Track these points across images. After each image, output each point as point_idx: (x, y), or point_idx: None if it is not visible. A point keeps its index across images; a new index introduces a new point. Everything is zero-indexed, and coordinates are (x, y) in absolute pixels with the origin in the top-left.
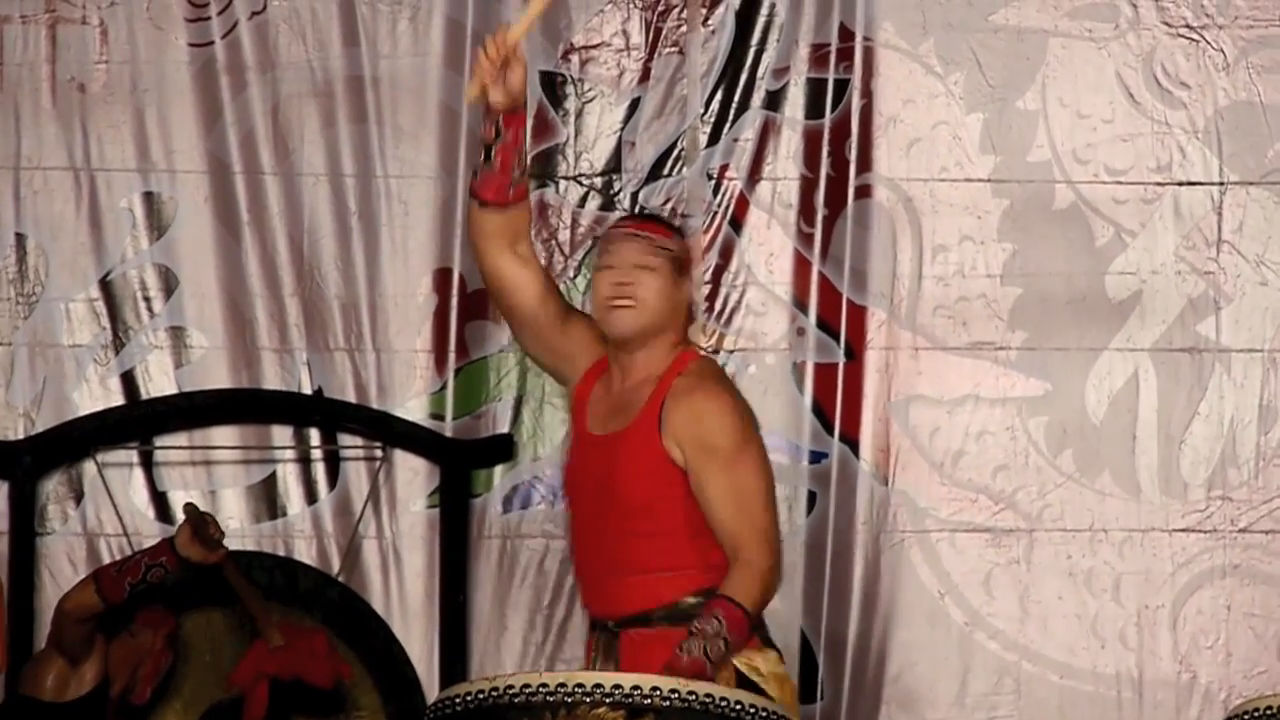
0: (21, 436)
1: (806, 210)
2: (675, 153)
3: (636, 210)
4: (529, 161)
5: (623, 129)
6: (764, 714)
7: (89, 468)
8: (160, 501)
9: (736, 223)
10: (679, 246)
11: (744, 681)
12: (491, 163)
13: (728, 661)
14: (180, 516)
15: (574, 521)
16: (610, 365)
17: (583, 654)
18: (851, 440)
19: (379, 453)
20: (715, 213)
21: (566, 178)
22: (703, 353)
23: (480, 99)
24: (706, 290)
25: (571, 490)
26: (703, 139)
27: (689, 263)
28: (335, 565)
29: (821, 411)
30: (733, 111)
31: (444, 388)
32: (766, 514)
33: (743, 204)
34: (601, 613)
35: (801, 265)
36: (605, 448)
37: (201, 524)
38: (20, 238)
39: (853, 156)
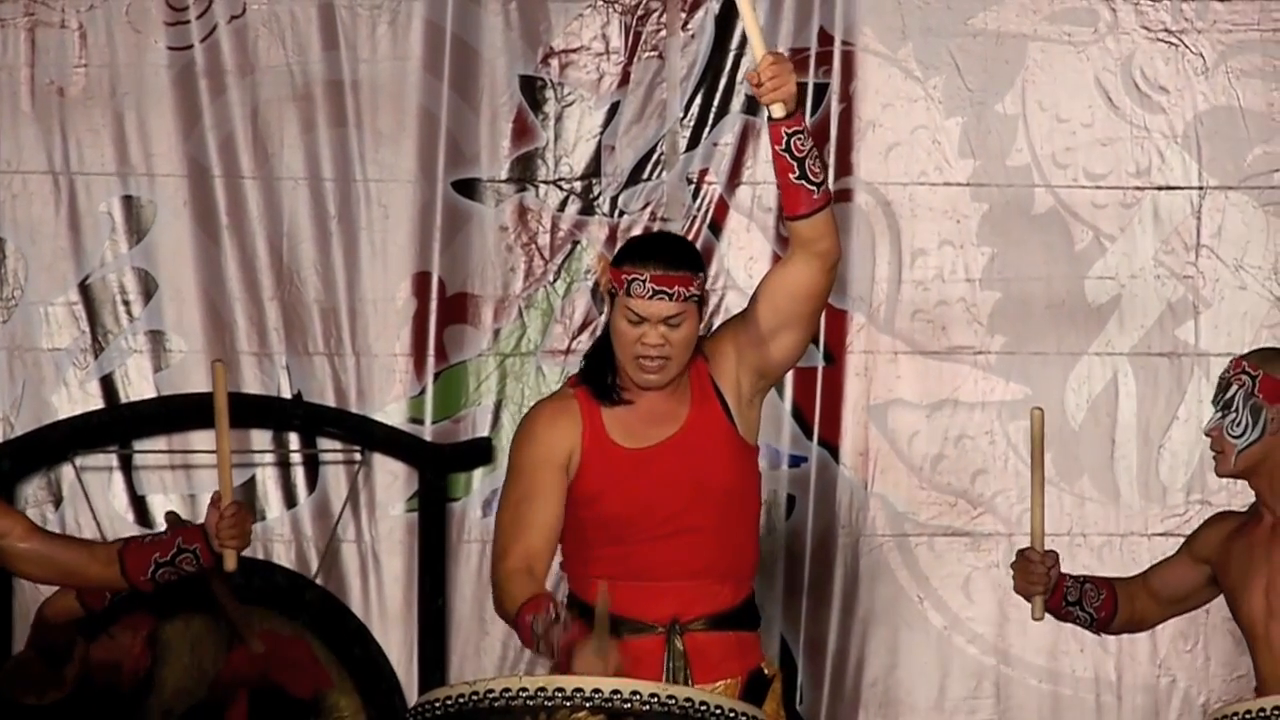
0: (0, 440)
1: None
2: (655, 157)
3: (615, 212)
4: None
5: (602, 133)
6: (743, 718)
7: (68, 471)
8: (139, 505)
9: (716, 227)
10: (700, 284)
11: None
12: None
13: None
14: (159, 520)
15: (613, 538)
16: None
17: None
18: (831, 444)
19: (358, 456)
20: (695, 217)
21: (546, 182)
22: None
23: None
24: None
25: (607, 509)
26: (682, 143)
27: (706, 292)
28: (314, 569)
29: (801, 415)
30: (712, 115)
31: (423, 392)
32: None
33: (722, 208)
34: (664, 615)
35: None
36: (660, 455)
37: None
38: None
39: (832, 160)
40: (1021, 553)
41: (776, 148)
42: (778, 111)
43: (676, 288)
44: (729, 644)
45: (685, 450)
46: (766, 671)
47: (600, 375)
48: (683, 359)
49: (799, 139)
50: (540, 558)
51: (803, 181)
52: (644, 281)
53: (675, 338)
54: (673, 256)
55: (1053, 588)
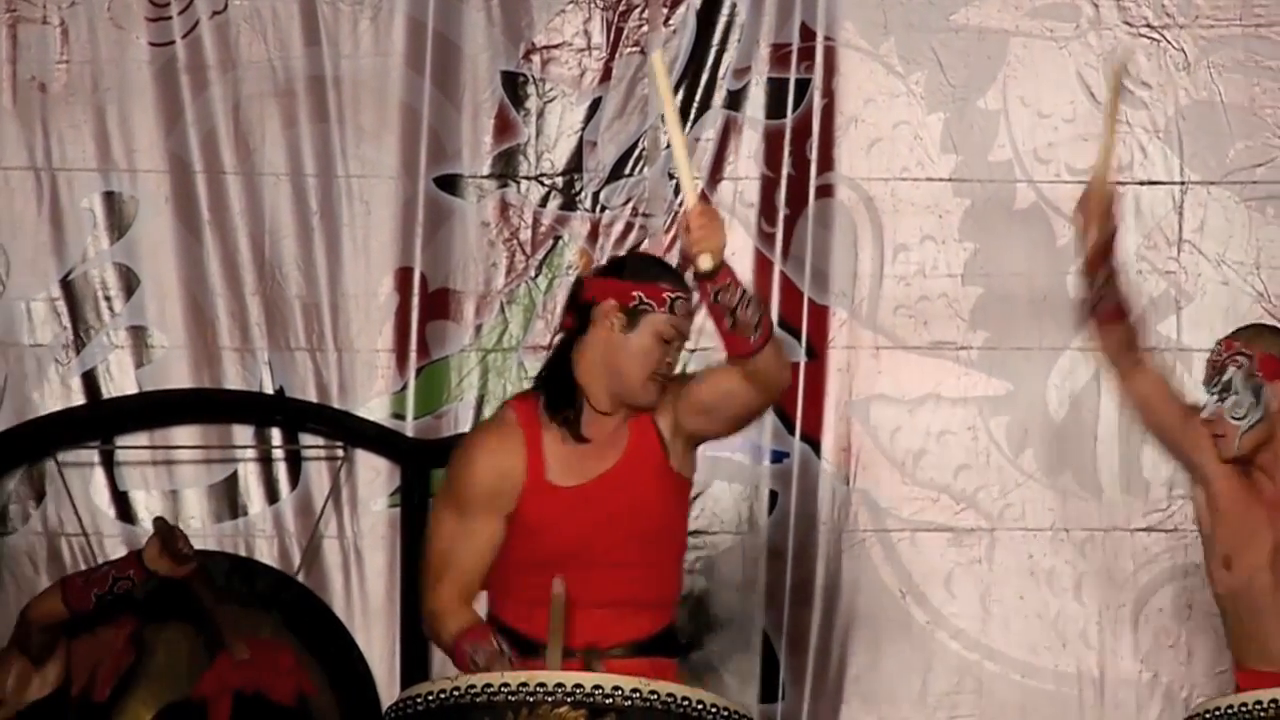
0: None
1: (768, 210)
2: (636, 152)
3: (597, 207)
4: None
5: (584, 129)
6: (726, 713)
7: (50, 467)
8: (121, 501)
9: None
10: None
11: None
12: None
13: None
14: (141, 516)
15: (533, 558)
16: (553, 424)
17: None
18: (813, 440)
19: (340, 452)
20: (676, 212)
21: (528, 177)
22: None
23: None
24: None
25: (543, 545)
26: (664, 138)
27: None
28: (296, 565)
29: (783, 411)
30: (694, 111)
31: (405, 387)
32: None
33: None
34: (581, 642)
35: (763, 265)
36: (596, 491)
37: (170, 538)
38: None
39: (814, 156)
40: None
41: (705, 301)
42: (705, 264)
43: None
44: (643, 670)
45: (621, 485)
46: None
47: (566, 405)
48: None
49: (726, 293)
50: (474, 587)
51: (736, 331)
52: (685, 301)
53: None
54: (682, 280)
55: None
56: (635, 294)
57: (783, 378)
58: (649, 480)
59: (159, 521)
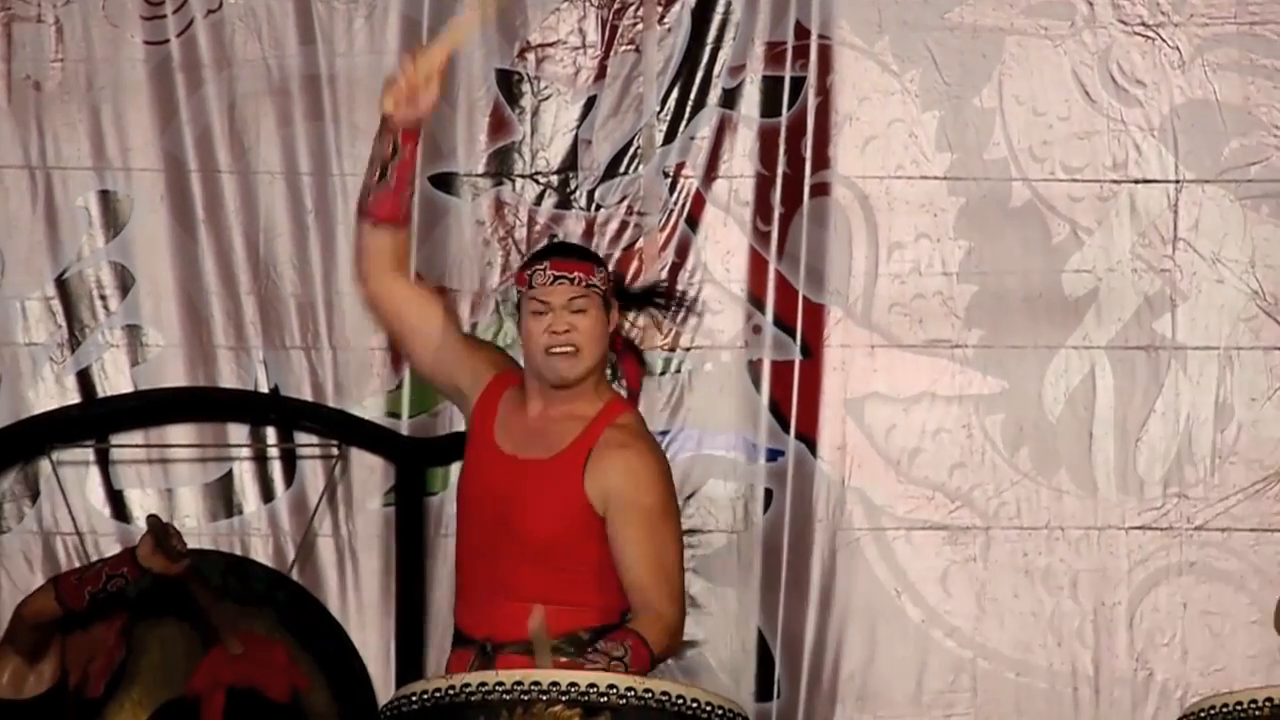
0: None
1: (763, 208)
2: (631, 151)
3: (592, 206)
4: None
5: (579, 127)
6: (720, 712)
7: (45, 466)
8: (116, 500)
9: (693, 221)
10: (604, 279)
11: None
12: (387, 180)
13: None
14: (136, 515)
15: (465, 535)
16: (524, 384)
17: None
18: (808, 438)
19: (335, 451)
20: (671, 211)
21: (523, 176)
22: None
23: (392, 110)
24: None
25: (466, 504)
26: (659, 137)
27: (612, 293)
28: (291, 564)
29: (778, 409)
30: (689, 109)
31: (400, 386)
32: (681, 577)
33: (699, 202)
34: (481, 633)
35: (758, 263)
36: (517, 472)
37: (164, 535)
38: None
39: (809, 154)
40: None
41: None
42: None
43: (577, 273)
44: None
45: (540, 479)
46: None
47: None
48: (591, 353)
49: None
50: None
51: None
52: (544, 270)
53: (582, 325)
54: (570, 249)
55: None
56: (516, 288)
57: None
58: (556, 498)
59: (153, 519)
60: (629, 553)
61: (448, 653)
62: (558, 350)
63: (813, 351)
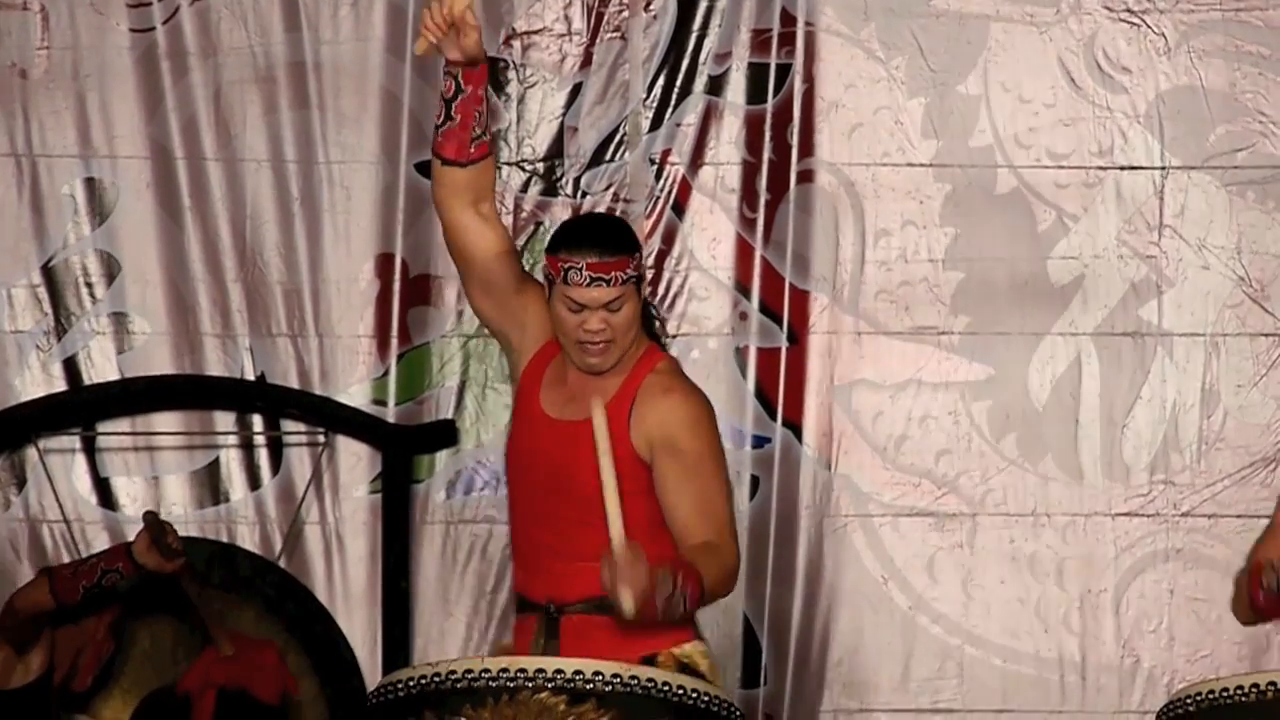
0: None
1: (749, 195)
2: (617, 138)
3: (578, 193)
4: (488, 121)
5: (565, 114)
6: (705, 698)
7: (31, 454)
8: (103, 487)
9: (679, 208)
10: (637, 264)
11: (684, 671)
12: (452, 118)
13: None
14: (123, 502)
15: (517, 502)
16: (559, 361)
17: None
18: (794, 425)
19: (322, 438)
20: (658, 198)
21: (509, 163)
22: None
23: (431, 52)
24: (649, 275)
25: (518, 471)
26: (645, 124)
27: (644, 270)
28: (278, 551)
29: (764, 396)
30: (675, 96)
31: (386, 373)
32: (732, 519)
33: (685, 189)
34: (543, 595)
35: (744, 250)
36: (564, 434)
37: (160, 533)
38: None
39: (795, 141)
40: None
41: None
42: (626, 604)
43: (614, 273)
44: (611, 628)
45: (585, 439)
46: (662, 658)
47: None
48: (625, 340)
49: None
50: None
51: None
52: (580, 269)
53: (616, 321)
54: (608, 240)
55: None
56: (545, 264)
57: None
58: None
59: (149, 515)
60: (675, 498)
61: (434, 639)
62: (591, 345)
63: (799, 338)
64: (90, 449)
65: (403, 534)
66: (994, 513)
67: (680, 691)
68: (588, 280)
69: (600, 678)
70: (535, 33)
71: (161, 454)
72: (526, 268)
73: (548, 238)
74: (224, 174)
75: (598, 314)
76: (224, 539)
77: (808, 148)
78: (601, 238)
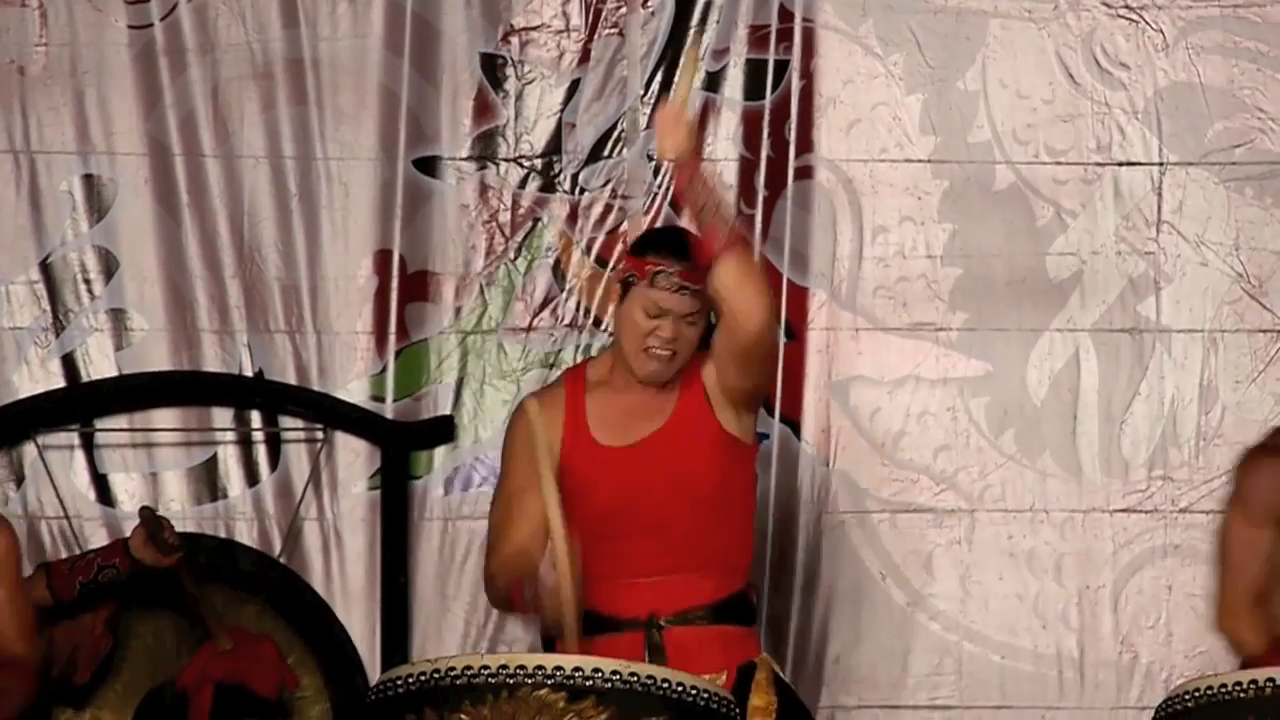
0: None
1: (746, 191)
2: (615, 134)
3: (576, 189)
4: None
5: (563, 110)
6: (705, 695)
7: (29, 450)
8: (101, 484)
9: (677, 205)
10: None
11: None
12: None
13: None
14: (121, 499)
15: (594, 528)
16: (608, 377)
17: (537, 638)
18: (792, 421)
19: (320, 435)
20: (655, 194)
21: (506, 159)
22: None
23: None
24: None
25: (587, 506)
26: (643, 120)
27: None
28: (277, 547)
29: None
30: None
31: (385, 370)
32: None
33: None
34: (644, 612)
35: None
36: (642, 452)
37: (157, 528)
38: None
39: (792, 138)
40: None
41: (678, 188)
42: (666, 155)
43: (699, 285)
44: (711, 638)
45: (669, 447)
46: (759, 663)
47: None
48: (686, 356)
49: (693, 191)
50: (535, 544)
51: (703, 232)
52: (671, 275)
53: (687, 334)
54: (688, 249)
55: None
56: (627, 266)
57: (745, 299)
58: (699, 443)
59: (145, 511)
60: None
61: (432, 636)
62: (659, 353)
63: (797, 334)
64: (88, 445)
65: (401, 530)
66: (992, 509)
67: (680, 687)
68: (676, 286)
69: (600, 674)
70: (533, 29)
71: (160, 450)
72: (524, 265)
73: (545, 233)
74: (222, 170)
75: (675, 323)
76: (222, 535)
77: (806, 144)
78: (685, 248)
